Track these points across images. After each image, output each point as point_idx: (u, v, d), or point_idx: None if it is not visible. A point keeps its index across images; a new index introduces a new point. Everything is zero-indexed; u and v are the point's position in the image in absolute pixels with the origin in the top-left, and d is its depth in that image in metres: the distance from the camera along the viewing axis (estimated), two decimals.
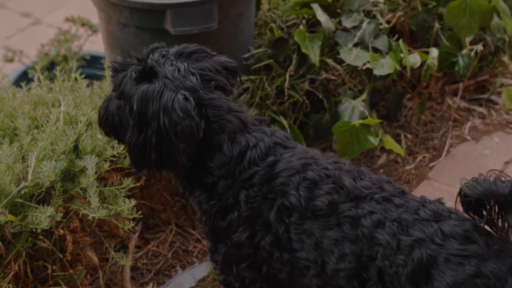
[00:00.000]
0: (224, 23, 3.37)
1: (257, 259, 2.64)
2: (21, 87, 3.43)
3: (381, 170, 3.92)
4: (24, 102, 3.30)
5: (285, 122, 3.65)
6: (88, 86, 3.33)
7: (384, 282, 2.37)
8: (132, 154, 2.62)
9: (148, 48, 2.71)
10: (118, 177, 3.13)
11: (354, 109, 3.67)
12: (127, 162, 3.18)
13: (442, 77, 4.38)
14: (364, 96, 3.73)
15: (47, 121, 3.03)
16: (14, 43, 5.30)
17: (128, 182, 3.09)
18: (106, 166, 3.06)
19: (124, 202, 3.03)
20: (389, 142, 3.74)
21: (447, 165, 3.96)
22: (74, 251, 3.09)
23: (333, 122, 3.67)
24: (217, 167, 2.59)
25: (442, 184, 3.82)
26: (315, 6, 3.74)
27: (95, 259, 3.23)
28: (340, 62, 3.74)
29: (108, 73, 3.37)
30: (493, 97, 4.36)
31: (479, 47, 4.03)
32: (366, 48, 3.74)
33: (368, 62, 3.67)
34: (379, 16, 3.86)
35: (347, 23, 3.78)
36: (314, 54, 3.63)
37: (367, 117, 3.63)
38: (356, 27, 3.77)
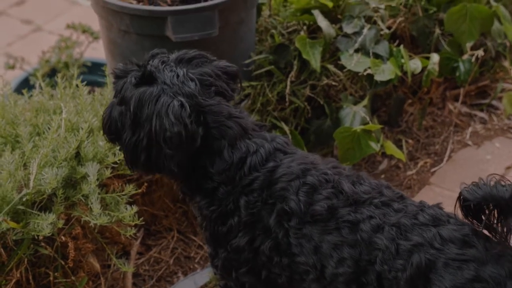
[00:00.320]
0: (225, 30, 3.38)
1: (256, 264, 2.64)
2: (22, 94, 3.44)
3: (383, 176, 3.92)
4: (25, 109, 3.31)
5: (286, 128, 3.65)
6: (89, 93, 3.33)
7: (383, 286, 2.37)
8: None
9: (148, 54, 2.72)
10: (120, 184, 3.13)
11: (355, 115, 3.68)
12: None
13: (443, 82, 4.38)
14: (365, 101, 3.73)
15: (49, 128, 3.03)
16: (16, 50, 5.31)
17: (130, 188, 3.09)
18: (107, 172, 3.07)
19: (126, 209, 3.03)
20: (391, 148, 3.74)
21: (448, 170, 3.96)
22: (76, 258, 3.09)
23: (334, 128, 3.67)
24: (218, 173, 2.59)
25: (444, 190, 3.82)
26: (316, 12, 3.74)
27: (97, 265, 3.23)
28: (341, 68, 3.74)
29: (109, 80, 3.38)
30: (494, 102, 4.36)
31: (480, 52, 4.03)
32: (367, 53, 3.74)
33: (369, 67, 3.68)
34: (380, 22, 3.86)
35: (348, 29, 3.79)
36: (315, 60, 3.64)
37: (368, 123, 3.63)
38: (357, 33, 3.78)
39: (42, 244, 2.99)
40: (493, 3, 4.16)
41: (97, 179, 2.98)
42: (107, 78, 3.43)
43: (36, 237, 2.90)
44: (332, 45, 3.80)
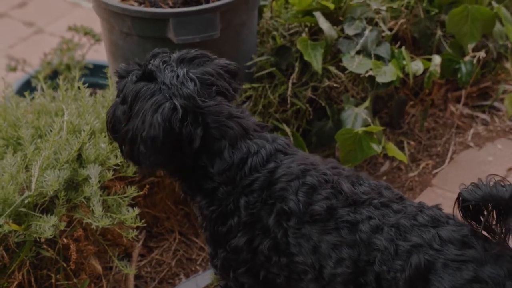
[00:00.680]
0: (226, 32, 3.38)
1: (255, 265, 2.64)
2: (24, 96, 3.44)
3: (384, 177, 3.92)
4: (27, 111, 3.31)
5: (288, 130, 3.66)
6: (91, 95, 3.33)
7: (382, 287, 2.37)
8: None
9: (150, 54, 2.73)
10: (122, 186, 3.13)
11: (357, 117, 3.68)
12: (130, 170, 3.19)
13: (444, 84, 4.38)
14: (367, 103, 3.73)
15: (51, 130, 3.03)
16: (17, 52, 5.32)
17: (132, 190, 3.09)
18: (109, 175, 3.07)
19: (128, 211, 3.03)
20: (392, 149, 3.74)
21: (450, 172, 3.96)
22: (78, 260, 3.10)
23: (336, 129, 3.67)
24: (218, 173, 2.60)
25: (446, 191, 3.82)
26: (317, 14, 3.75)
27: (99, 267, 3.24)
28: (343, 69, 3.75)
29: (112, 81, 3.39)
30: (496, 104, 4.36)
31: (482, 54, 4.03)
32: (368, 55, 3.75)
33: (371, 69, 3.68)
34: (381, 24, 3.87)
35: (350, 30, 3.79)
36: (316, 62, 3.64)
37: (370, 125, 3.63)
38: (359, 35, 3.78)
39: (44, 246, 2.99)
40: (495, 5, 4.16)
41: (99, 181, 2.98)
42: (109, 80, 3.44)
43: (38, 239, 2.90)
44: (334, 47, 3.80)
